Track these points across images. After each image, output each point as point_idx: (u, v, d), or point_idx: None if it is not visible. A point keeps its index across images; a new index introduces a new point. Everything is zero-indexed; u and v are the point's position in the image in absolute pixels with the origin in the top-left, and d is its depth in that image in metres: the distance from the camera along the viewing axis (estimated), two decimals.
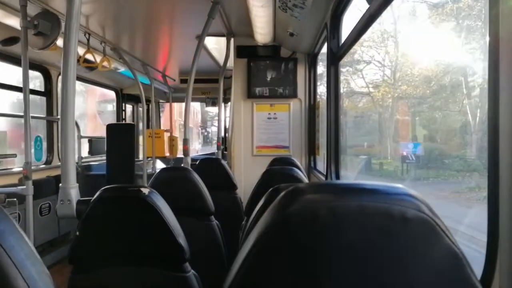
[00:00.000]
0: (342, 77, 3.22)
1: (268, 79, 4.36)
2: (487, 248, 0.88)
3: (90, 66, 4.21)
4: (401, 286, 0.58)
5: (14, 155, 4.38)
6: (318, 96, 4.26)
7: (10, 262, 0.61)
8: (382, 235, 0.57)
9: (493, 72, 0.85)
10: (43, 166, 4.70)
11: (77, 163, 5.00)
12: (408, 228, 0.57)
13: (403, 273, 0.58)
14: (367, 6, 2.01)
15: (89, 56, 3.88)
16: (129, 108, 7.45)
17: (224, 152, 6.21)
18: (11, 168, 4.19)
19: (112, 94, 7.09)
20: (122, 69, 5.19)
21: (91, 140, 6.13)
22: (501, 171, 0.82)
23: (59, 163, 1.76)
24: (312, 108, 4.33)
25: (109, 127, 5.77)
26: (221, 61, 4.82)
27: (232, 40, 4.19)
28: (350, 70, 5.01)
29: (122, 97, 7.00)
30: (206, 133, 24.67)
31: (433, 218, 0.58)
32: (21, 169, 3.01)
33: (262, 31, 3.68)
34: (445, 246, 0.58)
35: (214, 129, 20.84)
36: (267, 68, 4.35)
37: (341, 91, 3.09)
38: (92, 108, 10.73)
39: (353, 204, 0.58)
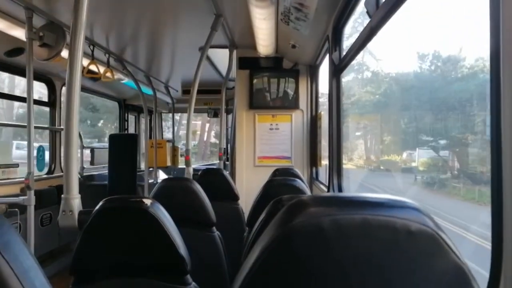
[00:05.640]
0: None
1: (270, 90, 4.38)
2: (491, 264, 0.87)
3: (94, 76, 4.25)
4: None
5: (16, 165, 4.38)
6: (320, 107, 4.27)
7: (12, 273, 0.61)
8: (386, 248, 0.57)
9: (495, 73, 0.86)
10: (45, 176, 4.70)
11: (79, 173, 4.99)
12: (412, 241, 0.57)
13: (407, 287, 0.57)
14: (368, 19, 2.03)
15: (92, 67, 3.92)
16: (131, 118, 7.48)
17: (226, 162, 6.21)
18: (13, 178, 4.19)
19: None
20: (125, 79, 5.23)
21: (93, 150, 6.13)
22: (505, 178, 0.82)
23: (61, 173, 1.76)
24: (313, 119, 4.34)
25: (112, 137, 5.78)
26: (223, 72, 4.85)
27: (234, 51, 4.22)
28: None
29: (125, 108, 7.03)
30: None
31: (437, 232, 0.58)
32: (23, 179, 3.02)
33: (264, 43, 3.71)
34: (450, 260, 0.58)
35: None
36: (269, 79, 4.38)
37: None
38: None
39: (357, 217, 0.57)
